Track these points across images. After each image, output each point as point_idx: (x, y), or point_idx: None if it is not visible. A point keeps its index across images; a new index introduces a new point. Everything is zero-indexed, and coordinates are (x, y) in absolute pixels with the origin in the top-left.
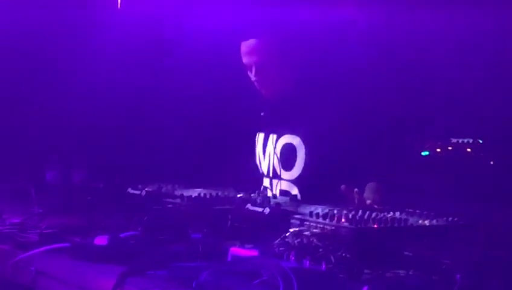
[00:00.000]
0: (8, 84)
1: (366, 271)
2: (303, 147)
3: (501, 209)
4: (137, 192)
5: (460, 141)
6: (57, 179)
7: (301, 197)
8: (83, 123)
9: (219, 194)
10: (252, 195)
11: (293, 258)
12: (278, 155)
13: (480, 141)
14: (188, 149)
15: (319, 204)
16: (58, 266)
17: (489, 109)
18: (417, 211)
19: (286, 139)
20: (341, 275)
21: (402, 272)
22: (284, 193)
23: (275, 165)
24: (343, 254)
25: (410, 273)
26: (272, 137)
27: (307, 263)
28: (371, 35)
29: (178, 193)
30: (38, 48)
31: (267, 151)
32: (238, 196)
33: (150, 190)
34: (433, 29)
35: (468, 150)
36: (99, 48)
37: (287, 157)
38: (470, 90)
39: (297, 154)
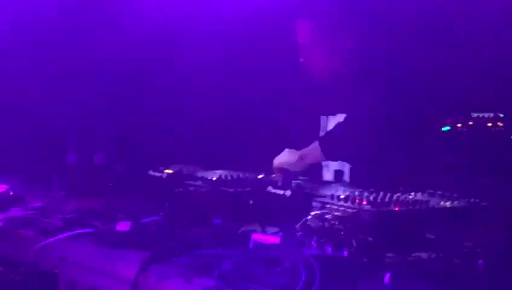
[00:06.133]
0: (30, 70)
1: (388, 255)
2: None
3: None
4: (158, 174)
5: (481, 115)
6: (78, 162)
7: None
8: (103, 105)
9: (240, 175)
10: (273, 176)
11: (314, 244)
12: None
13: (501, 115)
14: (209, 130)
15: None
16: (81, 252)
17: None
18: (438, 192)
19: (338, 118)
20: (363, 259)
21: (424, 255)
22: (338, 172)
23: None
24: (365, 237)
25: (432, 256)
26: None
27: (329, 249)
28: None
29: (199, 174)
30: (60, 30)
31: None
32: (259, 177)
33: (170, 172)
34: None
35: (489, 124)
36: (120, 28)
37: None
38: (491, 63)
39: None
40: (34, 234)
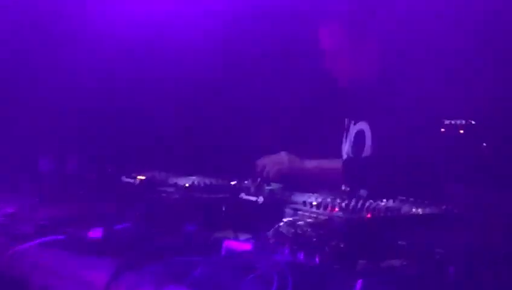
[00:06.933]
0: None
1: (360, 261)
2: (370, 132)
3: (494, 193)
4: (131, 180)
5: (452, 122)
6: (50, 168)
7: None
8: (75, 111)
9: (212, 182)
10: (246, 182)
11: (287, 251)
12: (352, 141)
13: (473, 122)
14: (181, 136)
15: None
16: (53, 259)
17: (482, 89)
18: (410, 199)
19: (359, 125)
20: (335, 266)
21: (396, 262)
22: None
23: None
24: (337, 244)
25: (404, 263)
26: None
27: (301, 256)
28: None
29: (171, 181)
30: (29, 39)
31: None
32: (232, 183)
33: (143, 178)
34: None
35: (461, 131)
36: (90, 38)
37: (357, 143)
38: (462, 70)
39: (365, 140)
40: (5, 240)
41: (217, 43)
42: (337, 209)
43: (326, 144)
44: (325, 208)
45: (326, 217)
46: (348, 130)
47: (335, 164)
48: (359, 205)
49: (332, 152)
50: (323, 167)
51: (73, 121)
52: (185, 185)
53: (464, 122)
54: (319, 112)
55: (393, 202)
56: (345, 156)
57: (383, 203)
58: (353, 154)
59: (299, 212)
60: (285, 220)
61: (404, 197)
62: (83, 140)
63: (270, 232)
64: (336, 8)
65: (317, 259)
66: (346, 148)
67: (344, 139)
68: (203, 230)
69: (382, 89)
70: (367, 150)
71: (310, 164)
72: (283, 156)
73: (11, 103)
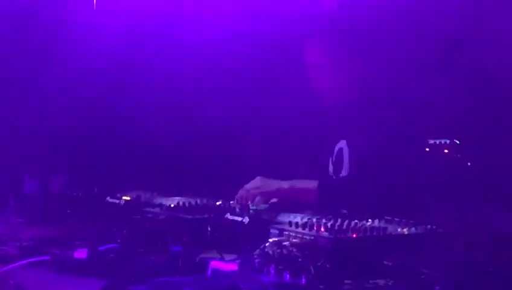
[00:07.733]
0: None
1: (346, 281)
2: (348, 150)
3: (479, 212)
4: (116, 201)
5: (437, 142)
6: (36, 188)
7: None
8: (60, 130)
9: (198, 202)
10: (231, 202)
11: (272, 271)
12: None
13: (458, 142)
14: (166, 156)
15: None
16: (38, 280)
17: (466, 108)
18: (396, 218)
19: (340, 144)
20: (321, 286)
21: (381, 282)
22: None
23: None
24: (323, 264)
25: (390, 283)
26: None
27: (286, 276)
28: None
29: (157, 201)
30: (10, 54)
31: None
32: (217, 203)
33: (128, 198)
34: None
35: (446, 151)
36: (75, 52)
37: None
38: (447, 90)
39: (343, 157)
40: None
41: (207, 65)
42: (322, 229)
43: (314, 164)
44: (311, 228)
45: (312, 237)
46: (333, 149)
47: (310, 184)
48: (345, 225)
49: (318, 172)
50: (298, 187)
51: (58, 141)
52: (170, 205)
53: (447, 141)
54: (304, 133)
55: (379, 222)
56: (331, 176)
57: (368, 223)
58: (336, 174)
59: (285, 233)
60: (270, 240)
61: (389, 217)
62: (68, 160)
63: (256, 253)
64: (319, 28)
65: (303, 279)
66: (331, 168)
67: (331, 159)
68: (188, 250)
69: (363, 107)
70: (350, 170)
71: (285, 185)
72: (258, 182)
73: None
